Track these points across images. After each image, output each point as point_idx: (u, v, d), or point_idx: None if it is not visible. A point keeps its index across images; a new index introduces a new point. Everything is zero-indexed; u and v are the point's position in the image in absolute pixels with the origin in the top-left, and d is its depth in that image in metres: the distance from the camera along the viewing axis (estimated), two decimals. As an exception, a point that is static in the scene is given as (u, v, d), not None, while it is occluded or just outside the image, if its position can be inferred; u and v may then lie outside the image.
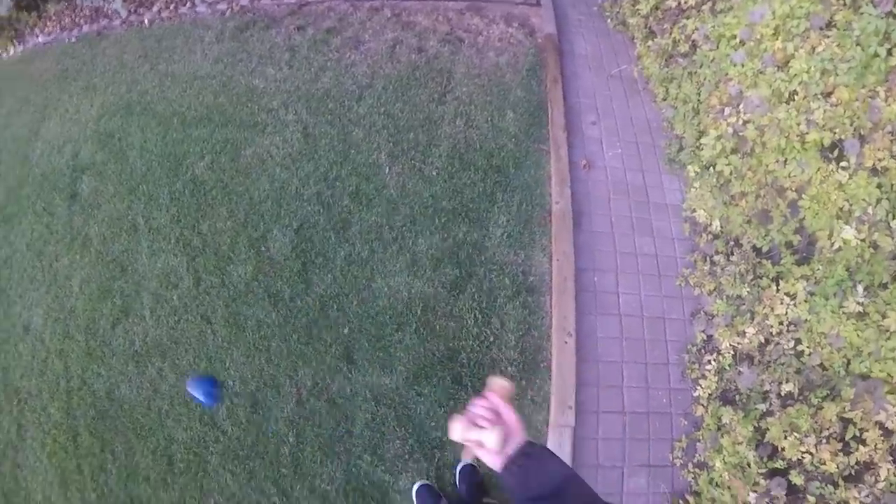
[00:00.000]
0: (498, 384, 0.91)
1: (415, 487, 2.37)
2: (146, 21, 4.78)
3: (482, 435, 0.85)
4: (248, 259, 2.88)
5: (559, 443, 2.41)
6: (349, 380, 2.53)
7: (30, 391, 2.90)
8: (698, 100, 3.15)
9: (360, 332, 2.62)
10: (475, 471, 2.39)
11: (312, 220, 2.95)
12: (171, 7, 4.83)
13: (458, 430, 0.88)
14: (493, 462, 0.87)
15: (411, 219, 2.89)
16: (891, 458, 2.06)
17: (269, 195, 3.07)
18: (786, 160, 2.61)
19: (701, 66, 3.18)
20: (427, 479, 2.39)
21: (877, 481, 2.05)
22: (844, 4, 2.41)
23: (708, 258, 2.88)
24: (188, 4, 4.69)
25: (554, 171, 3.06)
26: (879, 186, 2.26)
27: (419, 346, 2.55)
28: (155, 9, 4.91)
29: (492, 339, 2.58)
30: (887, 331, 2.09)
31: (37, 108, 4.31)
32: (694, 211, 3.01)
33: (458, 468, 2.40)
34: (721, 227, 2.89)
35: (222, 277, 2.88)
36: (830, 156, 2.42)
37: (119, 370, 2.79)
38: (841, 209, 2.35)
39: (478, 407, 0.90)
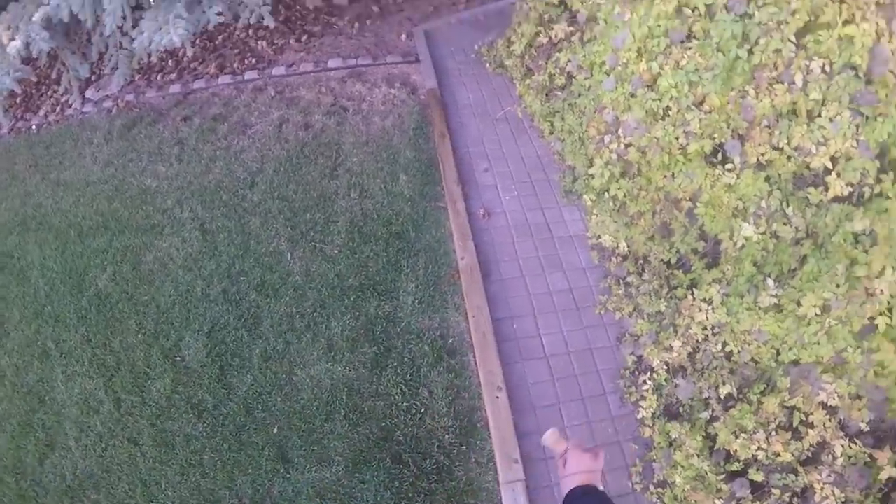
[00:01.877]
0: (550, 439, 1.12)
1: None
2: (34, 126, 4.26)
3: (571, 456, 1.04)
4: (164, 372, 2.58)
5: (514, 499, 2.24)
6: (289, 480, 2.28)
7: None
8: (582, 129, 3.10)
9: (290, 428, 2.38)
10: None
11: (223, 320, 2.69)
12: (58, 110, 4.34)
13: (553, 437, 1.11)
14: (563, 480, 1.05)
15: (320, 303, 2.68)
16: (842, 434, 2.00)
17: (176, 301, 2.78)
18: (673, 174, 2.57)
19: (579, 97, 3.14)
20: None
21: (834, 459, 1.98)
22: (700, 15, 2.37)
23: (621, 281, 2.77)
24: (73, 106, 4.16)
25: (454, 227, 2.92)
26: (767, 179, 2.23)
27: (352, 433, 2.35)
28: (41, 113, 4.40)
29: (423, 410, 2.40)
30: (805, 317, 2.03)
31: (-73, 237, 3.68)
32: (598, 238, 2.91)
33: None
34: (628, 247, 2.81)
35: (142, 395, 2.55)
36: (715, 160, 2.39)
37: None
38: (736, 208, 2.32)
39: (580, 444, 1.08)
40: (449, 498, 2.24)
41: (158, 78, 4.24)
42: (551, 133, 3.35)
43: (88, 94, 4.28)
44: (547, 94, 3.41)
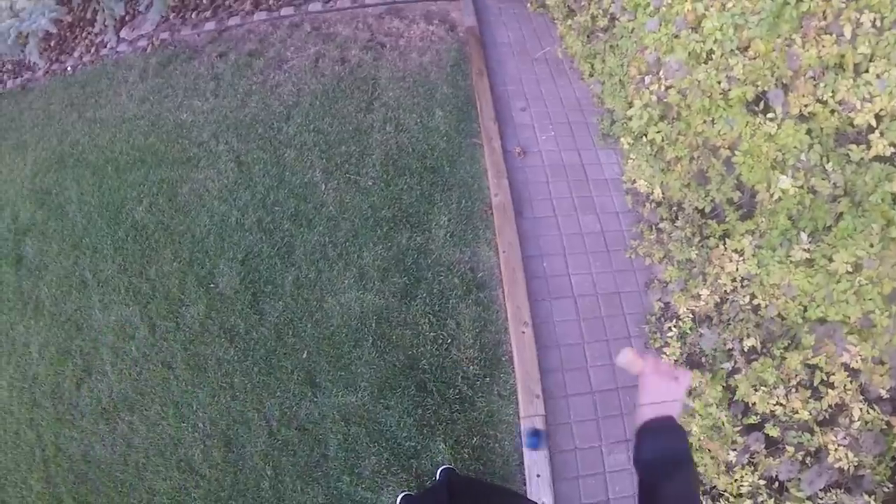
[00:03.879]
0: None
1: (398, 500, 2.30)
2: (69, 68, 4.54)
3: (648, 381, 0.95)
4: (198, 298, 2.77)
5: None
6: (316, 404, 2.45)
7: (7, 466, 2.77)
8: (623, 72, 3.09)
9: (319, 354, 2.54)
10: (454, 473, 2.33)
11: (256, 248, 2.85)
12: (93, 51, 4.59)
13: (628, 357, 0.99)
14: (639, 409, 0.94)
15: (353, 233, 2.81)
16: (861, 398, 2.04)
17: (211, 230, 2.95)
18: (713, 119, 2.56)
19: (621, 39, 3.11)
20: (408, 490, 2.32)
21: (851, 422, 2.03)
22: None
23: (654, 227, 2.84)
24: (108, 45, 4.45)
25: (489, 164, 2.99)
26: (809, 132, 2.22)
27: (379, 360, 2.48)
28: (76, 54, 4.66)
29: (449, 340, 2.52)
30: (835, 273, 2.06)
31: (-32, 174, 4.06)
32: (633, 182, 2.95)
33: (438, 472, 2.34)
34: (662, 193, 2.83)
35: (176, 321, 2.76)
36: (756, 109, 2.37)
37: (91, 431, 2.68)
38: (775, 160, 2.31)
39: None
40: (469, 427, 2.37)
41: (193, 16, 4.41)
42: (591, 75, 3.36)
43: (123, 33, 4.53)
44: (588, 36, 3.39)
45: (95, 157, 3.60)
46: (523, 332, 2.53)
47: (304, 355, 2.55)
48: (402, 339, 2.53)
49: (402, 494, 2.32)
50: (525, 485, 2.34)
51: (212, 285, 2.80)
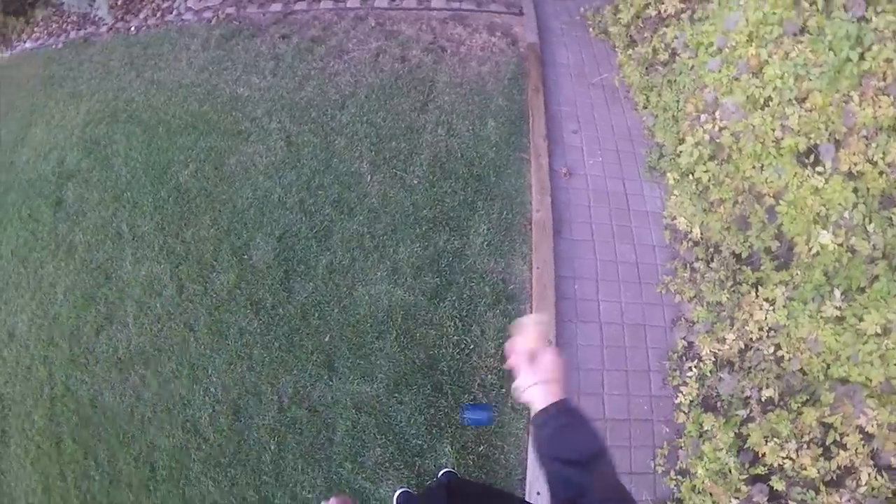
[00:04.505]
0: (528, 325, 0.91)
1: (395, 494, 2.36)
2: (133, 28, 4.75)
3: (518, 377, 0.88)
4: (230, 267, 2.87)
5: None
6: (330, 387, 2.52)
7: (13, 398, 2.89)
8: (677, 107, 3.18)
9: (342, 339, 2.62)
10: (455, 477, 2.39)
11: (295, 228, 2.94)
12: (158, 15, 4.80)
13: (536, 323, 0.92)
14: (531, 405, 0.88)
15: (392, 227, 2.90)
16: (871, 463, 2.07)
17: (253, 203, 3.06)
18: (762, 166, 2.63)
19: (680, 74, 3.20)
20: (408, 487, 2.39)
21: (858, 486, 2.05)
22: (817, 10, 2.43)
23: (688, 265, 2.89)
24: (174, 12, 4.67)
25: (535, 180, 3.07)
26: (855, 191, 2.28)
27: (399, 354, 2.55)
28: (142, 16, 4.89)
29: (472, 346, 2.58)
30: (864, 334, 2.10)
31: (23, 114, 4.28)
32: (674, 218, 3.01)
33: (440, 474, 2.40)
34: (701, 233, 2.90)
35: (205, 285, 2.86)
36: (806, 161, 2.44)
37: (102, 377, 2.78)
38: (818, 214, 2.37)
39: (513, 351, 0.93)
40: (478, 435, 2.41)
41: (261, -5, 4.70)
42: (645, 107, 3.44)
43: (190, 2, 4.75)
44: (647, 68, 3.49)
45: (148, 116, 3.76)
46: None
47: (327, 338, 2.62)
48: (426, 338, 2.59)
49: (401, 490, 2.38)
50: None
51: (245, 257, 2.90)
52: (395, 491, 2.37)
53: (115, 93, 4.07)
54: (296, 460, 2.43)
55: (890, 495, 2.02)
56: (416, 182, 3.05)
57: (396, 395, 2.49)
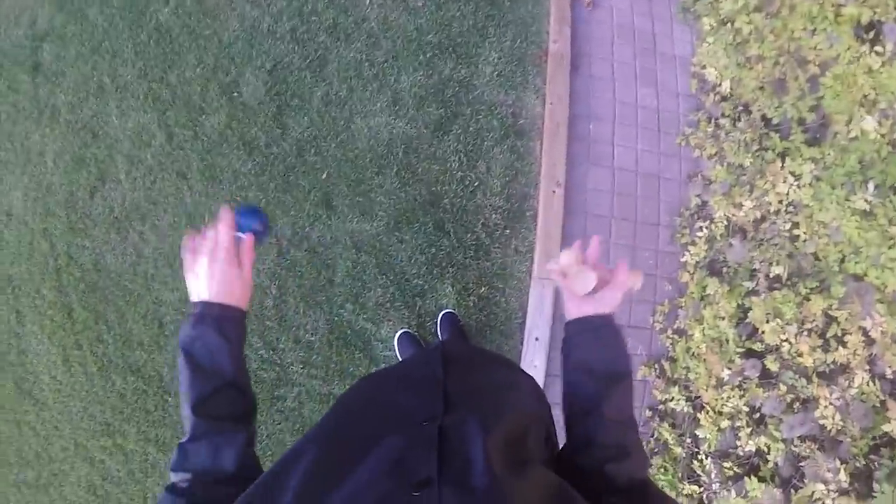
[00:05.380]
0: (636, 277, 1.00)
1: (396, 335, 2.80)
2: None
3: (581, 274, 0.96)
4: (220, 107, 3.18)
5: (541, 295, 2.72)
6: (329, 227, 2.88)
7: (21, 276, 3.37)
8: None
9: (339, 176, 2.93)
10: (455, 318, 2.80)
11: (286, 59, 3.19)
12: None
13: (566, 255, 0.99)
14: (568, 306, 0.99)
15: (393, 54, 3.10)
16: (867, 368, 2.31)
17: (240, 36, 3.31)
18: (814, 30, 2.70)
19: None
20: (408, 328, 2.82)
21: (849, 386, 2.31)
22: None
23: (713, 120, 3.05)
24: None
25: (554, 7, 3.19)
26: None
27: (400, 191, 2.85)
28: None
29: (476, 183, 2.85)
30: (892, 238, 2.29)
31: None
32: (704, 67, 3.14)
33: (441, 315, 2.82)
34: (731, 89, 3.03)
35: (195, 129, 3.20)
36: (865, 36, 2.51)
37: (102, 240, 3.21)
38: (865, 96, 2.48)
39: (591, 249, 1.01)
40: (480, 276, 2.73)
41: None
42: None
43: None
44: None
45: None
46: (553, 192, 2.84)
47: (324, 176, 2.94)
48: (428, 173, 2.87)
49: (402, 331, 2.79)
50: (522, 344, 2.74)
51: (235, 94, 3.18)
52: (396, 332, 2.82)
53: (79, -64, 4.38)
54: (297, 303, 2.84)
55: (878, 403, 2.27)
56: (420, 4, 3.20)
57: (397, 233, 2.81)
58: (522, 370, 1.31)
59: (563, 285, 1.00)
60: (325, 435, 0.81)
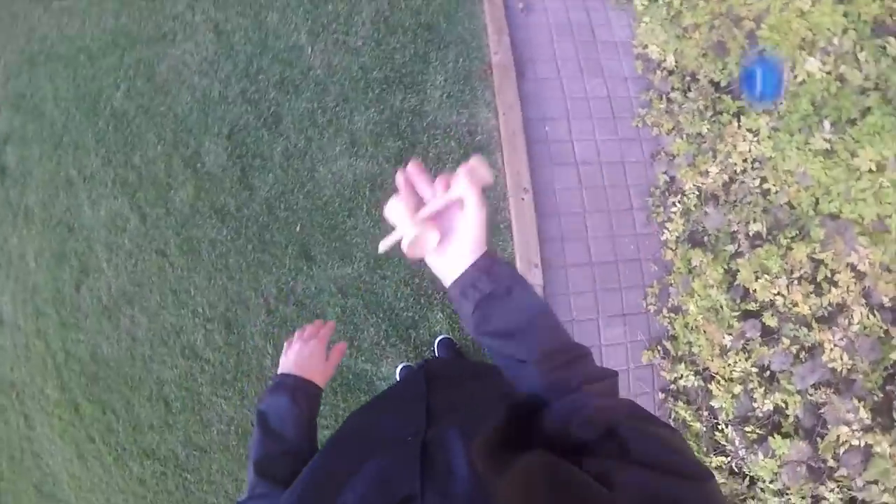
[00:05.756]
0: (474, 168, 0.78)
1: (397, 370, 2.82)
2: (29, -43, 5.08)
3: (418, 238, 0.76)
4: (186, 180, 3.22)
5: None
6: (312, 278, 2.91)
7: (23, 380, 3.40)
8: None
9: (313, 226, 2.96)
10: (451, 342, 2.82)
11: (242, 121, 3.24)
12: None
13: (393, 209, 0.78)
14: (441, 272, 0.82)
15: (343, 97, 3.15)
16: (863, 302, 2.34)
17: (193, 107, 3.36)
18: None
19: None
20: (407, 360, 2.83)
21: (850, 324, 2.34)
22: None
23: (664, 96, 3.11)
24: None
25: (489, 20, 3.26)
26: (846, 15, 2.43)
27: (374, 228, 2.88)
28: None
29: None
30: (857, 170, 2.32)
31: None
32: (645, 47, 3.20)
33: (436, 342, 2.84)
34: (675, 62, 3.09)
35: (166, 206, 3.23)
36: None
37: (95, 330, 3.24)
38: (804, 39, 2.53)
39: (434, 188, 0.81)
40: None
41: None
42: None
43: None
44: None
45: (66, 48, 4.07)
46: (522, 199, 2.87)
47: (298, 228, 2.97)
48: None
49: (402, 365, 2.82)
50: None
51: (198, 165, 3.22)
52: (397, 367, 2.83)
53: (26, 36, 4.39)
54: (295, 358, 2.92)
55: (882, 334, 2.30)
56: (360, 44, 3.26)
57: (378, 271, 2.84)
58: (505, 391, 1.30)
59: (411, 255, 0.79)
60: (310, 471, 0.82)
